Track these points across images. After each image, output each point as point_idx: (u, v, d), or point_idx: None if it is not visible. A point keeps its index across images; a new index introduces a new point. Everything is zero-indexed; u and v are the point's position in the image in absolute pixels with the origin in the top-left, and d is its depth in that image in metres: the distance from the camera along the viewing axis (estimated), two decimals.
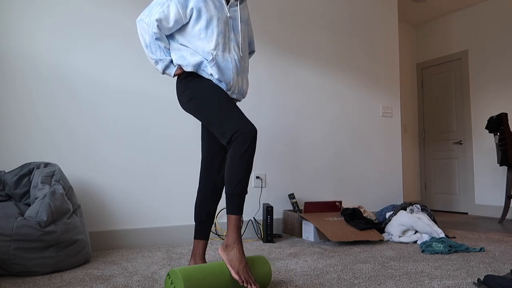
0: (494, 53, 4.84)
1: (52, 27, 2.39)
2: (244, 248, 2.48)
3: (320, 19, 3.58)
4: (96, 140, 2.47)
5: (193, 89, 1.75)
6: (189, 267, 1.43)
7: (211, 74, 1.74)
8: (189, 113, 1.80)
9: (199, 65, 1.74)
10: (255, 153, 3.08)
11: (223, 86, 1.77)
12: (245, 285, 1.42)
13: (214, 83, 1.75)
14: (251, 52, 2.13)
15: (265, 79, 3.20)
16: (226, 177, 1.59)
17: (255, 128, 1.60)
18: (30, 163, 2.12)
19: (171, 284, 1.39)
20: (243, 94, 1.88)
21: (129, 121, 2.59)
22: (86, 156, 2.43)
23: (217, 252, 2.36)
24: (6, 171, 2.19)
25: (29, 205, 1.97)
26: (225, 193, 1.59)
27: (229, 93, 1.79)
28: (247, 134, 1.57)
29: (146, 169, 2.62)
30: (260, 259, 1.58)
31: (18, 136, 2.26)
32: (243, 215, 2.94)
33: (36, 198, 1.92)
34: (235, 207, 1.57)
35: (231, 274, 1.45)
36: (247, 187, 1.59)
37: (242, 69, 1.83)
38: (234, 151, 1.57)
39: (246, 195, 2.99)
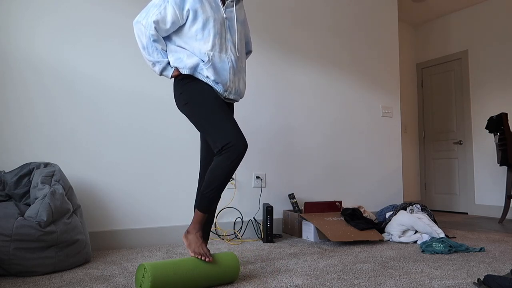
0: (494, 53, 4.84)
1: (51, 27, 2.39)
2: (244, 248, 2.49)
3: (320, 19, 3.58)
4: (96, 140, 2.47)
5: (189, 93, 1.77)
6: (160, 262, 1.52)
7: (207, 77, 1.76)
8: (185, 116, 1.82)
9: (195, 67, 1.75)
10: (255, 153, 3.08)
11: (219, 87, 1.78)
12: (201, 258, 1.58)
13: (210, 86, 1.77)
14: (248, 52, 2.14)
15: (265, 79, 3.20)
16: (206, 177, 1.70)
17: (246, 144, 1.68)
18: (30, 163, 2.12)
19: (142, 277, 1.47)
20: (240, 95, 1.89)
21: (129, 121, 2.59)
22: (86, 156, 2.43)
23: (217, 251, 2.36)
24: (6, 171, 2.19)
25: (29, 205, 1.97)
26: (200, 191, 1.73)
27: (226, 94, 1.81)
28: (237, 149, 1.65)
29: (146, 169, 2.62)
30: (227, 254, 1.68)
31: (18, 136, 2.26)
32: (242, 215, 2.95)
33: (36, 198, 1.91)
34: (202, 206, 1.72)
35: (204, 268, 1.57)
36: (221, 192, 1.73)
37: (238, 70, 1.84)
38: (221, 160, 1.66)
39: (245, 195, 3.00)
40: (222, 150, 1.65)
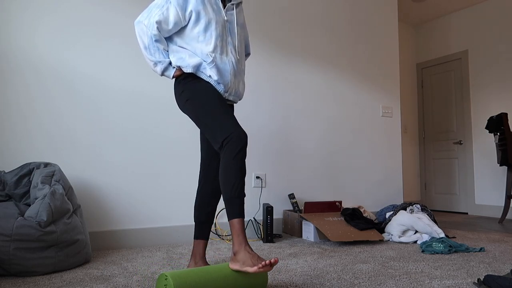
0: (494, 53, 4.84)
1: (51, 27, 2.38)
2: None
3: (319, 19, 3.58)
4: (96, 140, 2.47)
5: (191, 91, 1.76)
6: (186, 271, 1.40)
7: (210, 76, 1.76)
8: (186, 114, 1.82)
9: (198, 66, 1.75)
10: (255, 153, 3.08)
11: (221, 88, 1.78)
12: (267, 269, 1.37)
13: (212, 85, 1.77)
14: (247, 55, 2.17)
15: (264, 79, 3.20)
16: (222, 183, 1.59)
17: (245, 134, 1.62)
18: (30, 163, 2.12)
19: (164, 286, 1.37)
20: (239, 96, 1.90)
21: (129, 121, 2.59)
22: (86, 156, 2.43)
23: (217, 252, 2.36)
24: (6, 171, 2.19)
25: (29, 205, 1.97)
26: (224, 199, 1.57)
27: (226, 95, 1.81)
28: (237, 140, 1.59)
29: (146, 169, 2.62)
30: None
31: (18, 136, 2.26)
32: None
33: (36, 198, 1.91)
34: (236, 211, 1.54)
35: (230, 279, 1.41)
36: (244, 189, 1.59)
37: (239, 71, 1.85)
38: (226, 156, 1.59)
39: (247, 195, 3.00)
40: (223, 145, 1.62)
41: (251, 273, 1.41)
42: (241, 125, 3.00)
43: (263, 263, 1.36)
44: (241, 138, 1.60)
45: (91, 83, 2.48)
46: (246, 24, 2.68)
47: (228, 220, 1.56)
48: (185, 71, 1.77)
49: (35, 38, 2.34)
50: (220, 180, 1.61)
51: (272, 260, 1.36)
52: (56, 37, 2.40)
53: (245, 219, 2.95)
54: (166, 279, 1.36)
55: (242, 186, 1.57)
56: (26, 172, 2.08)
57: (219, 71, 1.76)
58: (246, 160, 3.01)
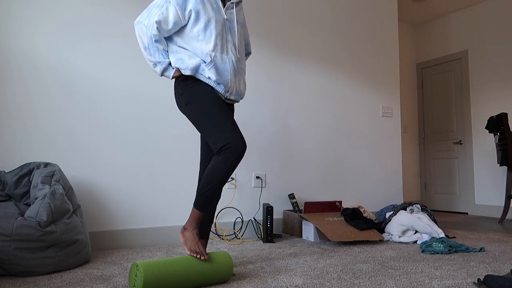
0: (494, 53, 4.84)
1: (51, 27, 2.38)
2: (244, 248, 2.49)
3: (320, 19, 3.58)
4: (96, 140, 2.47)
5: (190, 94, 1.77)
6: (153, 260, 1.53)
7: (208, 78, 1.76)
8: (185, 116, 1.83)
9: (197, 68, 1.76)
10: (255, 153, 3.08)
11: (221, 88, 1.78)
12: (196, 256, 1.60)
13: (211, 87, 1.78)
14: (248, 54, 2.16)
15: (265, 79, 3.20)
16: (204, 177, 1.71)
17: (245, 145, 1.69)
18: (30, 163, 2.12)
19: (135, 276, 1.48)
20: (240, 95, 1.90)
21: (129, 121, 2.59)
22: (86, 156, 2.43)
23: (215, 251, 2.36)
24: (6, 171, 2.19)
25: (29, 205, 1.97)
26: (198, 190, 1.72)
27: (227, 94, 1.81)
28: (236, 150, 1.66)
29: (146, 169, 2.62)
30: (221, 254, 1.69)
31: (18, 136, 2.26)
32: (242, 215, 2.95)
33: (36, 198, 1.91)
34: (200, 205, 1.72)
35: (197, 266, 1.57)
36: (219, 192, 1.75)
37: (239, 70, 1.85)
38: (220, 160, 1.67)
39: (245, 195, 3.00)
40: (221, 151, 1.66)
41: (217, 265, 1.63)
42: (241, 125, 3.01)
43: (196, 255, 1.61)
44: (240, 148, 1.66)
45: (91, 83, 2.48)
46: (246, 23, 2.68)
47: (193, 205, 1.74)
48: (184, 74, 1.77)
49: (35, 38, 2.34)
50: (204, 173, 1.72)
51: (202, 258, 1.60)
52: (56, 37, 2.40)
53: (245, 219, 2.96)
54: (137, 267, 1.47)
55: (218, 189, 1.71)
56: (26, 172, 2.08)
57: (218, 71, 1.76)
58: (246, 160, 3.02)
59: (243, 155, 1.69)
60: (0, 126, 2.22)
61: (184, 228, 1.72)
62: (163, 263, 1.51)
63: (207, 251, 2.18)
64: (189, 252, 1.63)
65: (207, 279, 1.60)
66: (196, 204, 1.73)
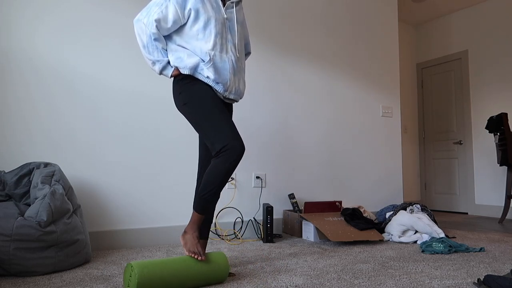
0: (494, 53, 4.84)
1: (51, 27, 2.38)
2: (244, 248, 2.49)
3: (319, 18, 3.58)
4: (96, 140, 2.47)
5: (188, 93, 1.77)
6: (148, 261, 1.52)
7: (207, 77, 1.75)
8: (183, 115, 1.83)
9: (195, 68, 1.75)
10: (255, 153, 3.08)
11: (220, 87, 1.78)
12: (194, 256, 1.61)
13: (210, 87, 1.77)
14: (247, 53, 2.16)
15: (264, 78, 3.20)
16: (204, 179, 1.71)
17: (243, 146, 1.69)
18: (30, 163, 2.12)
19: (130, 276, 1.48)
20: (240, 95, 1.90)
21: (129, 121, 2.59)
22: (86, 156, 2.43)
23: (214, 251, 2.36)
24: (6, 171, 2.19)
25: (29, 205, 1.97)
26: (197, 193, 1.73)
27: (226, 93, 1.81)
28: (234, 152, 1.66)
29: (146, 169, 2.62)
30: (217, 254, 1.70)
31: (18, 136, 2.26)
32: (242, 215, 2.95)
33: (36, 198, 1.91)
34: (200, 207, 1.73)
35: (192, 266, 1.58)
36: (218, 194, 1.74)
37: (238, 70, 1.85)
38: (219, 162, 1.67)
39: (245, 195, 3.00)
40: (220, 153, 1.66)
41: (213, 266, 1.64)
42: (241, 125, 3.01)
43: (194, 255, 1.62)
44: (238, 150, 1.66)
45: (91, 83, 2.48)
46: (246, 22, 2.68)
47: (192, 208, 1.74)
48: (182, 73, 1.77)
49: (35, 38, 2.34)
50: (204, 176, 1.72)
51: (199, 258, 1.61)
52: (56, 37, 2.40)
53: (245, 219, 2.96)
54: (131, 268, 1.47)
55: (218, 192, 1.71)
56: (26, 172, 2.08)
57: (217, 70, 1.76)
58: (246, 160, 3.02)
59: (242, 157, 1.69)
60: (0, 126, 2.21)
61: (185, 232, 1.73)
62: (158, 264, 1.52)
63: (206, 251, 2.18)
64: (187, 253, 1.65)
65: (202, 280, 1.60)
66: (196, 207, 1.73)
